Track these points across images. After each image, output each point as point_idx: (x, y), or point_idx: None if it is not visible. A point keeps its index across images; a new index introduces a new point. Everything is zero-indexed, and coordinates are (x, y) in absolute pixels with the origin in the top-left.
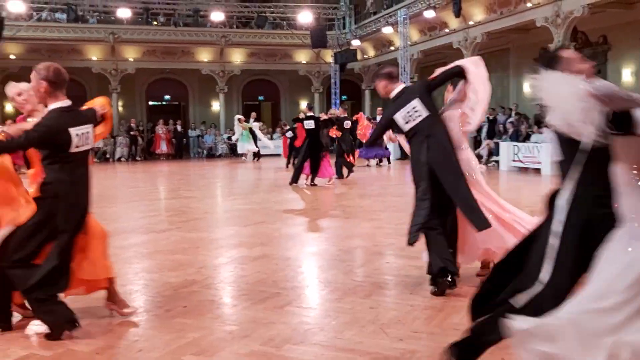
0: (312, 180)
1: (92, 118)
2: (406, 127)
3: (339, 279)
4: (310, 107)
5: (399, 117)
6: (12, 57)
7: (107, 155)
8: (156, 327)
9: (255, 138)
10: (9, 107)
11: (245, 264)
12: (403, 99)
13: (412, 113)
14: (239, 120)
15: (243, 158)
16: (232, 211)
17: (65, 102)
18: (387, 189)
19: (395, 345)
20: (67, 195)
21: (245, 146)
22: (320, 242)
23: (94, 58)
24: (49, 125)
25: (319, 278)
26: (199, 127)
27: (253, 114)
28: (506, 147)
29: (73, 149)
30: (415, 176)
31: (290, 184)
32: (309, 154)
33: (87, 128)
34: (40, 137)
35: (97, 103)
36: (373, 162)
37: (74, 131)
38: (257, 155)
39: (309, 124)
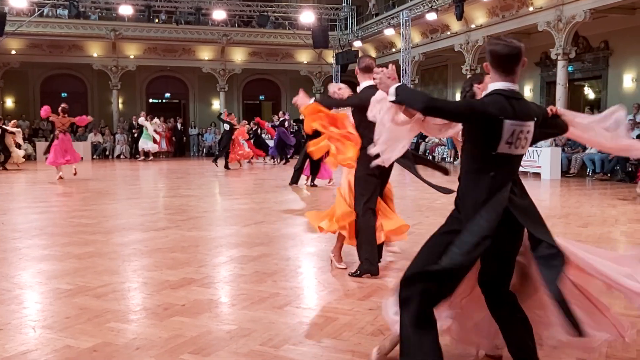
0: (312, 181)
1: None
2: None
3: (339, 280)
4: None
5: None
6: (13, 52)
7: (107, 152)
8: (154, 325)
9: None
10: (9, 103)
11: (245, 264)
12: None
13: None
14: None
15: (142, 157)
16: (231, 210)
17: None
18: None
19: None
20: None
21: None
22: (320, 243)
23: (95, 54)
24: None
25: (319, 279)
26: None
27: (143, 113)
28: None
29: None
30: None
31: (290, 184)
32: (309, 155)
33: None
34: None
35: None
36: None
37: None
38: (147, 154)
39: None
